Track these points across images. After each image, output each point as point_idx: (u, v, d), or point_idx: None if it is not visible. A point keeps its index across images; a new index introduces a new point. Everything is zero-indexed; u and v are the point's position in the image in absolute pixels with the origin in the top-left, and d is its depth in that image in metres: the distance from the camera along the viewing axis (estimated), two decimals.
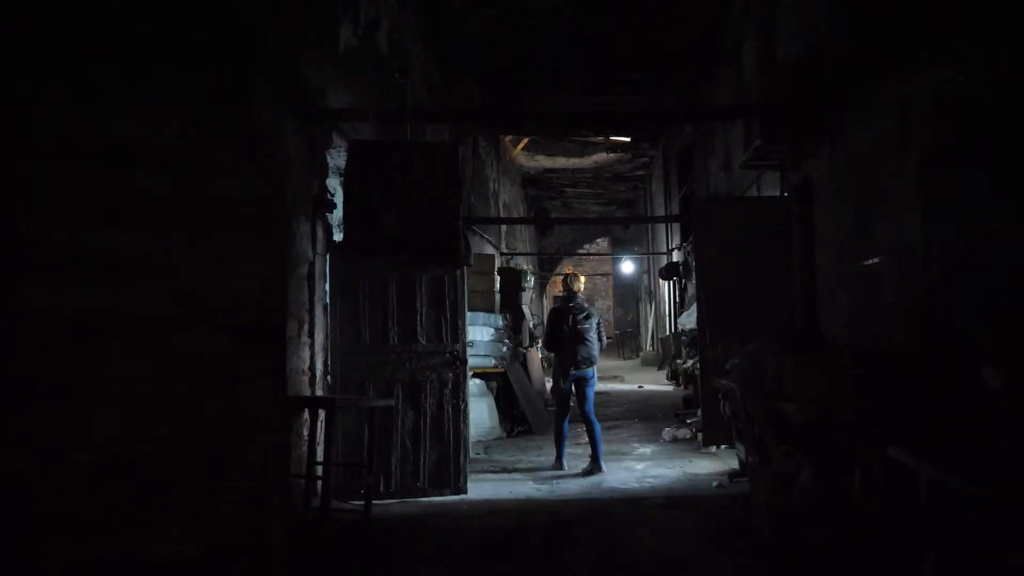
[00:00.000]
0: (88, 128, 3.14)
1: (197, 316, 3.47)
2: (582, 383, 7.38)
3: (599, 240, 28.06)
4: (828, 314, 6.20)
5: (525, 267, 16.94)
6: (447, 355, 6.17)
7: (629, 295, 26.78)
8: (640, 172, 19.47)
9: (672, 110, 12.80)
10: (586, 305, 7.62)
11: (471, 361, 7.23)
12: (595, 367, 7.48)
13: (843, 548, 4.13)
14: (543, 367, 13.15)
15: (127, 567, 3.12)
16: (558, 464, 7.23)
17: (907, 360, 4.44)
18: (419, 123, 8.54)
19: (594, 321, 7.46)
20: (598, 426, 7.26)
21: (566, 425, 7.36)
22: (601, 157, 17.75)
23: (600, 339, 7.49)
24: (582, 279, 7.92)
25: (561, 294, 7.98)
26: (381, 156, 6.31)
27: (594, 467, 7.01)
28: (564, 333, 7.39)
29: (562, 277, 8.00)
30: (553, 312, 7.86)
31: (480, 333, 9.22)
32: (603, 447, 7.33)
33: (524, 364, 10.58)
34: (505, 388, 9.63)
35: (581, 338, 7.33)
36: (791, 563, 4.22)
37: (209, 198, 3.55)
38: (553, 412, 8.55)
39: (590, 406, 7.39)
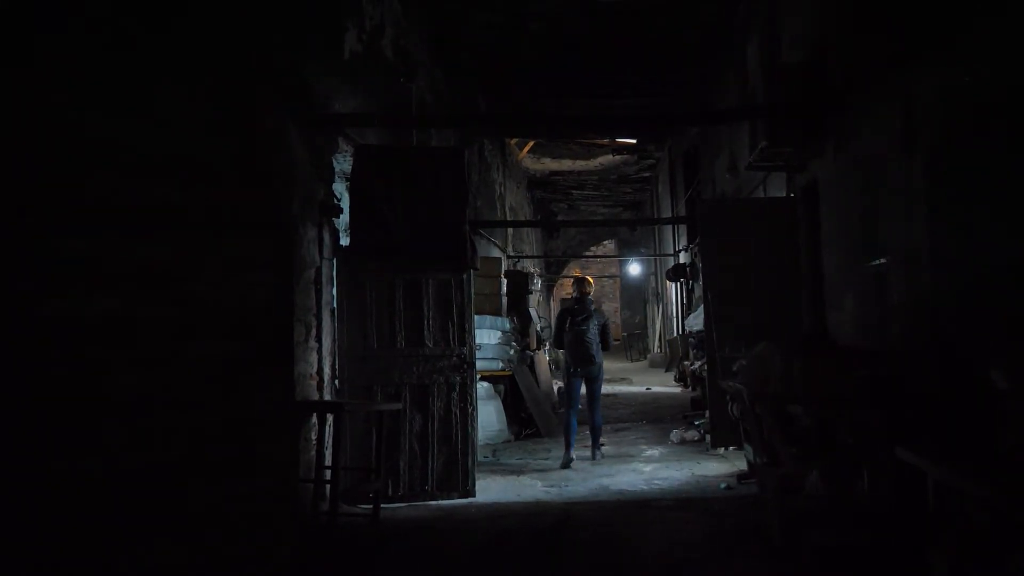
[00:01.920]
0: (97, 136, 3.17)
1: (205, 322, 3.49)
2: (589, 382, 7.92)
3: (606, 242, 28.04)
4: (835, 315, 6.20)
5: (531, 270, 16.96)
6: (454, 358, 6.19)
7: (636, 297, 26.76)
8: (646, 174, 19.47)
9: (678, 112, 12.79)
10: (592, 307, 8.06)
11: (478, 364, 7.26)
12: (599, 366, 7.94)
13: (852, 550, 4.12)
14: (550, 370, 13.15)
15: (136, 572, 3.14)
16: (567, 455, 7.54)
17: (914, 361, 4.43)
18: (424, 128, 8.57)
19: (593, 322, 7.91)
20: (599, 422, 7.93)
21: (574, 420, 7.72)
22: (607, 159, 17.75)
23: (605, 338, 7.99)
24: (591, 282, 8.50)
25: (570, 296, 8.53)
26: (387, 161, 6.34)
27: (593, 452, 7.77)
28: (566, 333, 7.94)
29: (572, 280, 8.54)
30: (560, 313, 8.39)
31: (487, 336, 9.23)
32: (611, 448, 8.14)
33: (531, 367, 10.59)
34: (512, 391, 9.64)
35: (579, 338, 7.85)
36: (800, 565, 4.22)
37: (216, 205, 3.57)
38: (560, 415, 9.61)
39: (596, 407, 7.94)
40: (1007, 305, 3.61)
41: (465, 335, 6.23)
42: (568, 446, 7.54)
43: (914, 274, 4.60)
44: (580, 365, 7.82)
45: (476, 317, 6.95)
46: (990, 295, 3.79)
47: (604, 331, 7.96)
